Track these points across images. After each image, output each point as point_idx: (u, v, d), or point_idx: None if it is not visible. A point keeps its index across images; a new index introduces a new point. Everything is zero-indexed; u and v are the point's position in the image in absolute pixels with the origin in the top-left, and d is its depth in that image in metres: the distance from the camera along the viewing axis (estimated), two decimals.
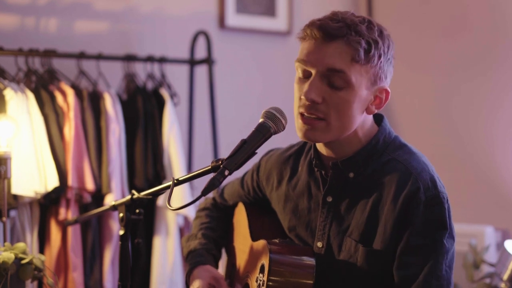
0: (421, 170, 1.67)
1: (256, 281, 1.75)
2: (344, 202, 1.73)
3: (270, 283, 1.67)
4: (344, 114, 1.64)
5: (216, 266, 1.98)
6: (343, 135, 1.68)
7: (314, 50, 1.63)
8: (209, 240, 2.02)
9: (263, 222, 1.95)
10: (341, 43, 1.60)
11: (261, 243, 1.79)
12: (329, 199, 1.75)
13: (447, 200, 1.66)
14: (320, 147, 1.75)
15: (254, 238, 1.89)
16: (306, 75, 1.66)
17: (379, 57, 1.64)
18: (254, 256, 1.84)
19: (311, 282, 1.67)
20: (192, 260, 1.95)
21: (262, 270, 1.73)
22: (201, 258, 1.95)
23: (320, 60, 1.62)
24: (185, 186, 2.98)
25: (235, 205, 2.09)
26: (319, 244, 1.75)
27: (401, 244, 1.64)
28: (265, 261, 1.72)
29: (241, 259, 1.95)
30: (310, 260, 1.71)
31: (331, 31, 1.61)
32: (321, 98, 1.62)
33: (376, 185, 1.69)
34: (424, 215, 1.62)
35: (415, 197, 1.63)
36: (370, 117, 1.73)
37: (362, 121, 1.70)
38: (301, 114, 1.65)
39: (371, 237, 1.67)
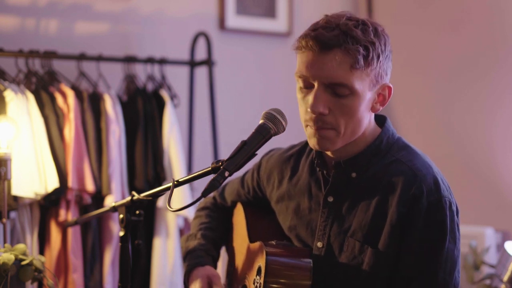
0: (426, 173, 1.67)
1: (254, 283, 1.75)
2: (346, 202, 1.72)
3: (268, 285, 1.67)
4: (352, 120, 1.64)
5: (215, 267, 1.98)
6: (354, 138, 1.68)
7: (313, 62, 1.61)
8: (208, 241, 2.01)
9: (261, 223, 1.95)
10: (339, 52, 1.58)
11: (257, 244, 1.79)
12: (330, 199, 1.74)
13: (451, 204, 1.65)
14: None
15: (252, 239, 1.88)
16: (308, 86, 1.65)
17: (378, 57, 1.62)
18: (251, 257, 1.83)
19: (309, 283, 1.67)
20: (191, 261, 1.95)
21: (259, 272, 1.73)
22: (200, 259, 1.94)
23: (320, 72, 1.60)
24: (185, 187, 2.98)
25: (234, 205, 2.08)
26: (319, 244, 1.74)
27: (402, 246, 1.64)
28: (261, 263, 1.71)
29: (239, 260, 1.95)
30: (307, 261, 1.70)
31: (327, 41, 1.58)
32: (327, 109, 1.62)
33: (379, 186, 1.69)
34: (425, 220, 1.62)
35: (419, 200, 1.63)
36: (373, 117, 1.73)
37: (368, 121, 1.70)
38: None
39: (377, 238, 1.66)
